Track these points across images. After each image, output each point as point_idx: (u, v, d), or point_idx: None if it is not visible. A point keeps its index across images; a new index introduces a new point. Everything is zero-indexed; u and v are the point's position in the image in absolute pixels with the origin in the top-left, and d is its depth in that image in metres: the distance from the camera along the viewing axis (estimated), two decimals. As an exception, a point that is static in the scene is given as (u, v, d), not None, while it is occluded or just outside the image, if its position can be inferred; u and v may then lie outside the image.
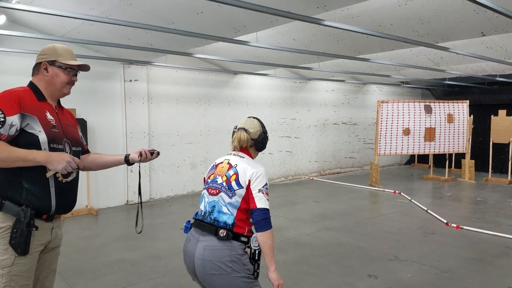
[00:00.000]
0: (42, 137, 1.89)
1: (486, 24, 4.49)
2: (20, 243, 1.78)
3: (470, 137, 10.27)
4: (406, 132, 9.10)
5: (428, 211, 6.52)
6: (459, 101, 9.59)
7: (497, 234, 5.24)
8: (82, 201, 6.44)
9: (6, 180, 1.84)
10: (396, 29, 4.86)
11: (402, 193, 7.98)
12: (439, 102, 9.45)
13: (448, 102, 9.53)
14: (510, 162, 9.16)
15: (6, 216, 1.80)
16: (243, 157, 2.19)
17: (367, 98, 11.53)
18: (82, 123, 6.24)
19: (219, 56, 6.39)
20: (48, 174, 1.86)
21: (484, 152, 10.81)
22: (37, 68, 2.02)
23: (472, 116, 10.32)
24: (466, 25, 4.58)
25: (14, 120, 1.79)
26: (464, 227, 5.57)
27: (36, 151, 1.82)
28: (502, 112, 9.41)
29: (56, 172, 1.88)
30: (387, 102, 9.03)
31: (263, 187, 2.06)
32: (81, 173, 6.61)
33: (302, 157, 10.09)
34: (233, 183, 2.08)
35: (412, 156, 12.67)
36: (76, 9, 4.45)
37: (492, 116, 9.68)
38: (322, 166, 10.63)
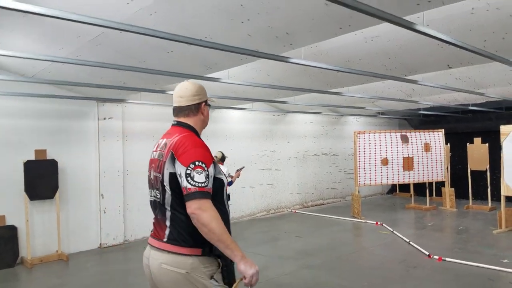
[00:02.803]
0: (224, 179, 1.95)
1: (451, 57, 4.61)
2: (228, 279, 1.87)
3: (449, 165, 10.41)
4: (385, 162, 9.15)
5: (410, 242, 6.43)
6: (434, 130, 9.75)
7: (480, 266, 5.16)
8: (52, 245, 6.12)
9: (192, 227, 1.81)
10: (365, 64, 4.94)
11: (384, 224, 7.90)
12: (415, 132, 9.59)
13: (424, 132, 9.69)
14: (489, 189, 9.24)
15: (212, 258, 1.86)
16: None
17: (345, 128, 11.64)
18: (53, 164, 6.06)
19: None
20: (236, 285, 1.86)
21: (463, 180, 10.91)
22: (195, 108, 2.03)
23: (448, 144, 10.51)
24: (432, 59, 4.69)
25: (211, 170, 1.83)
26: (447, 259, 5.49)
27: (238, 247, 1.80)
28: (477, 140, 9.57)
29: (240, 280, 1.83)
30: (364, 133, 9.11)
31: None
32: (50, 213, 6.30)
33: (283, 189, 9.99)
34: None
35: (394, 185, 12.71)
36: (45, 49, 4.38)
37: (468, 143, 9.84)
38: (304, 198, 10.52)
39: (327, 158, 11.19)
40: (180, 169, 1.79)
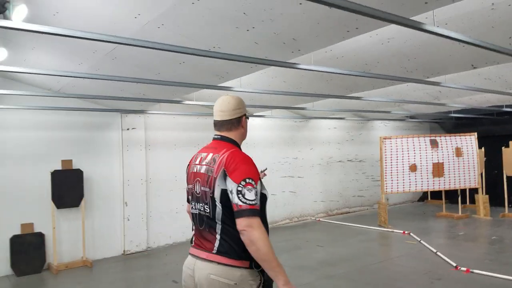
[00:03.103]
0: (267, 193, 1.99)
1: (475, 57, 4.40)
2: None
3: (483, 170, 9.90)
4: (413, 168, 8.83)
5: (438, 253, 6.14)
6: (466, 133, 9.33)
7: (510, 278, 4.85)
8: (77, 252, 6.32)
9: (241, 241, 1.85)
10: (383, 67, 4.80)
11: (411, 234, 7.60)
12: (445, 136, 9.21)
13: (455, 136, 9.28)
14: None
15: (257, 272, 1.89)
16: None
17: (372, 134, 11.33)
18: (78, 174, 6.27)
19: (212, 101, 6.42)
20: None
21: (499, 186, 10.34)
22: (237, 122, 2.06)
23: (483, 148, 10.01)
24: (454, 59, 4.49)
25: (258, 187, 1.87)
26: (475, 270, 5.19)
27: (283, 270, 1.83)
28: (512, 144, 9.08)
29: None
30: (390, 138, 8.85)
31: None
32: (76, 221, 6.48)
33: (307, 197, 9.84)
34: None
35: (425, 192, 12.23)
36: (66, 65, 4.58)
37: (503, 147, 9.33)
38: (329, 206, 10.32)
39: (353, 164, 10.94)
40: (231, 186, 1.83)
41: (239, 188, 1.80)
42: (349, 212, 10.67)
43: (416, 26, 2.66)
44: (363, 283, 4.99)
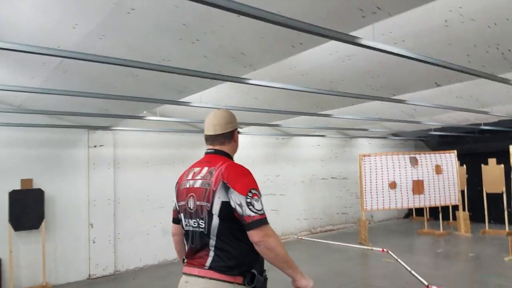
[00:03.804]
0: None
1: (436, 74, 4.30)
2: None
3: (465, 188, 9.79)
4: (393, 185, 8.68)
5: (412, 272, 5.94)
6: (446, 151, 9.24)
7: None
8: (37, 277, 5.98)
9: (248, 250, 1.88)
10: (348, 84, 4.69)
11: (389, 252, 7.39)
12: (425, 153, 9.11)
13: (435, 153, 9.20)
14: (505, 212, 8.57)
15: None
16: None
17: (356, 151, 11.14)
18: (39, 194, 6.00)
19: (182, 117, 6.27)
20: None
21: (481, 203, 10.21)
22: (229, 136, 2.08)
23: (464, 166, 9.91)
24: (418, 76, 4.39)
25: (261, 197, 1.90)
26: (449, 291, 5.00)
27: (297, 267, 1.94)
28: (491, 161, 8.98)
29: None
30: (369, 156, 8.72)
31: None
32: (36, 244, 6.08)
33: (289, 215, 9.61)
34: None
35: (410, 209, 12.06)
36: (17, 78, 4.40)
37: (482, 165, 9.24)
38: (312, 224, 10.09)
39: (337, 182, 10.77)
40: (238, 198, 1.82)
41: (248, 200, 1.81)
42: (332, 230, 10.45)
43: (355, 42, 2.55)
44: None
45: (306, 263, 7.07)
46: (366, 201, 8.49)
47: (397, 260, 6.75)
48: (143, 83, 4.10)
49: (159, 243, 7.39)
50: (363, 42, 2.58)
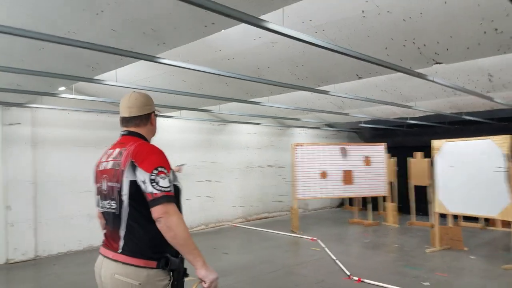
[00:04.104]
0: (180, 185, 2.02)
1: (357, 66, 4.39)
2: None
3: (396, 179, 10.28)
4: (323, 175, 8.91)
5: (337, 261, 6.14)
6: (375, 143, 9.63)
7: (396, 288, 4.90)
8: None
9: (161, 236, 1.81)
10: (274, 72, 4.67)
11: (319, 240, 7.61)
12: (355, 145, 9.44)
13: (364, 145, 9.56)
14: (430, 205, 9.13)
15: (166, 272, 1.87)
16: None
17: (292, 140, 11.24)
18: None
19: (105, 97, 5.94)
20: (195, 286, 1.89)
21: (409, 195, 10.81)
22: (145, 118, 2.05)
23: (395, 158, 10.39)
24: (340, 67, 4.46)
25: (171, 176, 1.87)
26: (366, 280, 5.20)
27: (200, 253, 1.86)
28: (418, 154, 9.49)
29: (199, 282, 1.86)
30: (302, 145, 8.87)
31: None
32: None
33: (224, 202, 9.58)
34: None
35: (343, 199, 12.52)
36: None
37: (408, 158, 9.74)
38: (248, 211, 10.15)
39: (273, 170, 10.88)
40: (143, 176, 1.80)
41: (152, 177, 1.79)
42: (268, 217, 10.58)
43: (261, 25, 2.48)
44: (249, 294, 4.79)
45: (235, 250, 7.10)
46: (298, 189, 8.65)
47: (324, 249, 6.95)
48: (51, 57, 3.78)
49: (84, 228, 7.02)
50: (270, 26, 2.52)
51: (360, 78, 4.76)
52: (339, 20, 3.54)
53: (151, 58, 3.32)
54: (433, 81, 4.29)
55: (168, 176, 1.83)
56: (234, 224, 9.60)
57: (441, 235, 7.08)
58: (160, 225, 1.78)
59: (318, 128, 11.62)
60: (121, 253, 1.87)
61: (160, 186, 1.78)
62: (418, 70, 4.47)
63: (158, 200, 1.77)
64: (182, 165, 8.09)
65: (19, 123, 6.30)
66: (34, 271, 5.93)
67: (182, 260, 1.91)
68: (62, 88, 5.13)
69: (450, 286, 5.02)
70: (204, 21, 2.75)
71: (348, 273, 5.49)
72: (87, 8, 2.76)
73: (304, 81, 4.79)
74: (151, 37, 3.09)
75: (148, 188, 1.78)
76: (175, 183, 1.94)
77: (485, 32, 3.39)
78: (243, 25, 2.91)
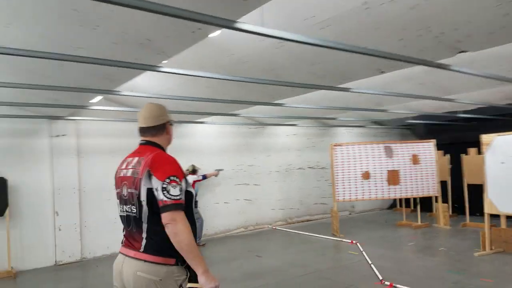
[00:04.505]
0: (193, 191, 2.14)
1: (378, 61, 4.14)
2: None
3: (449, 178, 9.60)
4: (366, 176, 8.55)
5: (372, 265, 5.86)
6: (424, 140, 9.06)
7: (430, 294, 4.56)
8: (2, 263, 6.10)
9: (167, 239, 1.95)
10: (291, 72, 4.58)
11: (358, 244, 7.32)
12: (401, 143, 8.94)
13: (412, 142, 9.02)
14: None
15: (183, 268, 2.01)
16: None
17: (335, 140, 10.90)
18: (2, 182, 6.07)
19: (132, 107, 6.22)
20: (193, 286, 1.98)
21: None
22: (161, 128, 2.20)
23: (448, 155, 9.69)
24: (358, 63, 4.26)
25: (183, 184, 2.01)
26: (398, 285, 4.90)
27: (203, 260, 1.97)
28: (472, 151, 8.76)
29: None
30: (341, 145, 8.59)
31: None
32: (1, 230, 6.19)
33: (264, 205, 9.57)
34: None
35: (395, 200, 11.90)
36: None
37: (463, 155, 9.03)
38: (288, 214, 10.04)
39: (315, 171, 10.66)
40: (156, 184, 1.95)
41: (164, 185, 1.92)
42: (310, 220, 10.38)
43: (236, 27, 2.45)
44: (272, 299, 4.73)
45: (270, 253, 7.06)
46: (338, 191, 8.39)
47: (362, 253, 6.67)
48: (74, 72, 4.04)
49: (126, 232, 7.39)
50: (245, 27, 2.47)
51: (382, 72, 4.51)
52: (343, 13, 3.37)
53: (152, 68, 3.43)
54: (459, 71, 3.94)
55: (179, 184, 1.96)
56: (274, 227, 9.55)
57: (494, 237, 6.47)
58: (167, 230, 1.92)
59: (361, 126, 11.17)
60: (143, 252, 2.02)
61: (170, 194, 1.92)
62: (444, 61, 4.13)
63: (167, 207, 1.91)
64: (220, 170, 8.32)
65: (64, 135, 6.81)
66: (80, 272, 6.37)
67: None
68: (94, 100, 5.46)
69: (494, 294, 4.58)
70: (190, 28, 2.77)
71: (380, 277, 5.22)
72: (84, 24, 2.91)
73: (323, 79, 4.64)
74: (148, 48, 3.18)
75: (159, 195, 1.93)
76: (188, 189, 2.07)
77: (506, 15, 3.05)
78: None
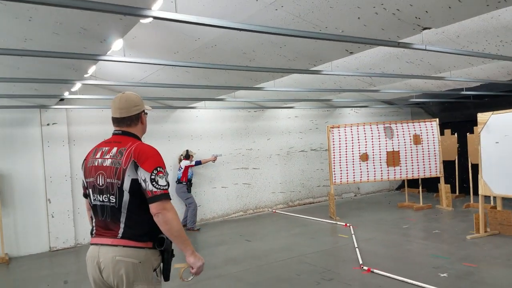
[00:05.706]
0: (169, 180, 2.26)
1: (343, 43, 3.96)
2: (167, 270, 2.14)
3: (456, 158, 9.28)
4: (364, 157, 8.35)
5: (356, 249, 5.77)
6: (426, 120, 8.73)
7: (406, 281, 4.43)
8: (-3, 248, 6.38)
9: (149, 218, 2.05)
10: (262, 55, 4.45)
11: (351, 227, 7.22)
12: (401, 123, 8.64)
13: (413, 122, 8.70)
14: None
15: (158, 251, 2.11)
16: None
17: (340, 122, 10.74)
18: (-5, 171, 6.29)
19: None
20: (180, 266, 2.15)
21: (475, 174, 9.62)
22: (136, 118, 2.23)
23: (456, 134, 9.33)
24: (327, 45, 4.07)
25: (166, 175, 2.10)
26: (375, 270, 4.81)
27: (190, 243, 2.13)
28: (477, 129, 8.35)
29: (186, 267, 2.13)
30: (338, 127, 8.39)
31: None
32: None
33: (263, 188, 9.55)
34: None
35: (403, 181, 11.60)
36: None
37: (468, 134, 8.66)
38: (289, 197, 9.98)
39: (318, 154, 10.50)
40: (144, 175, 2.02)
41: (153, 176, 2.01)
42: (312, 203, 10.31)
43: (145, 14, 2.35)
44: (245, 284, 4.74)
45: (261, 237, 7.06)
46: (335, 174, 8.25)
47: (351, 236, 6.58)
48: (44, 65, 4.07)
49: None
50: (155, 14, 2.38)
51: (351, 53, 4.31)
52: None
53: (97, 57, 3.40)
54: (425, 50, 3.70)
55: (165, 175, 2.07)
56: (274, 210, 9.54)
57: (490, 219, 6.23)
58: (157, 219, 2.02)
59: (365, 106, 10.85)
60: (121, 238, 2.08)
61: (159, 185, 2.02)
62: (420, 38, 3.91)
63: (157, 197, 2.01)
64: (218, 155, 8.31)
65: (55, 123, 6.95)
66: (74, 257, 6.59)
67: (171, 241, 2.12)
68: (74, 89, 5.51)
69: (470, 278, 4.41)
70: (118, 15, 2.71)
71: (360, 261, 5.14)
72: (19, 16, 2.89)
73: (296, 62, 4.49)
74: (88, 36, 3.14)
75: (148, 186, 2.02)
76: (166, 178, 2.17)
77: (459, -14, 2.81)
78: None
